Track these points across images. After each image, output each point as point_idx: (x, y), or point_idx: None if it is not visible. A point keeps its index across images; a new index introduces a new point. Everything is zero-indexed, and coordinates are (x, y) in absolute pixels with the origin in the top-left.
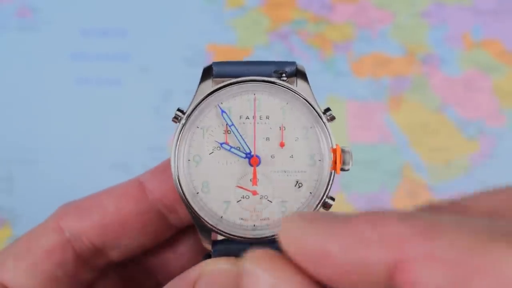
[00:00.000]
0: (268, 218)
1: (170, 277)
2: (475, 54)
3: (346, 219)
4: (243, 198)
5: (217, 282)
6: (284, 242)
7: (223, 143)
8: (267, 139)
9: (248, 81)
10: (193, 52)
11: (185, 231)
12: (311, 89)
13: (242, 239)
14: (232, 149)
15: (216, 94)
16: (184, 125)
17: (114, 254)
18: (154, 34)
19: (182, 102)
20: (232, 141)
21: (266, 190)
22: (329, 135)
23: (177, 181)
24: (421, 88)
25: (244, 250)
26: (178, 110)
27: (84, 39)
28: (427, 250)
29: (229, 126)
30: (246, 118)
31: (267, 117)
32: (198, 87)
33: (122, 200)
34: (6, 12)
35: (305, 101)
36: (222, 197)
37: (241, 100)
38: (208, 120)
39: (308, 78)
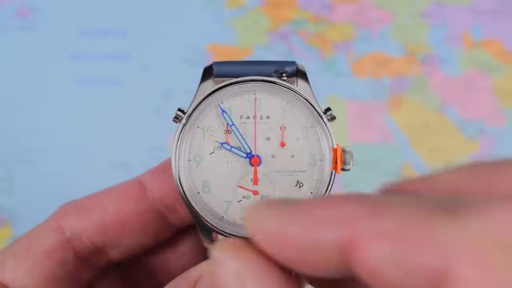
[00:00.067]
0: None
1: (170, 277)
2: (475, 54)
3: (305, 203)
4: (244, 198)
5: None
6: (250, 229)
7: (224, 143)
8: (268, 139)
9: (248, 81)
10: (193, 52)
11: (185, 230)
12: (311, 89)
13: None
14: (233, 149)
15: (216, 94)
16: (184, 125)
17: (114, 254)
18: (154, 34)
19: (182, 102)
20: (233, 141)
21: (267, 190)
22: (330, 135)
23: (178, 181)
24: (421, 88)
25: None
26: (179, 110)
27: (84, 39)
28: (374, 226)
29: (230, 126)
30: (247, 118)
31: (268, 117)
32: (198, 87)
33: (122, 200)
34: (6, 12)
35: (305, 101)
36: (223, 197)
37: (242, 100)
38: (209, 120)
39: (309, 78)
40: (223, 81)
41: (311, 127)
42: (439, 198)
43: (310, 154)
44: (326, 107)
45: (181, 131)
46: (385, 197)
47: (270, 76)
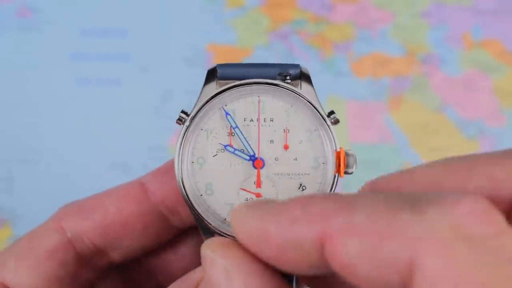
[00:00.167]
0: None
1: (171, 278)
2: (475, 54)
3: (285, 203)
4: (247, 200)
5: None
6: (235, 229)
7: (227, 145)
8: (271, 141)
9: (252, 84)
10: (193, 52)
11: (187, 232)
12: (315, 92)
13: None
14: (236, 152)
15: (220, 96)
16: (188, 127)
17: (115, 255)
18: (154, 34)
19: (182, 102)
20: (236, 144)
21: (270, 193)
22: (333, 138)
23: (181, 183)
24: (421, 88)
25: None
26: (182, 112)
27: (84, 39)
28: (346, 222)
29: (233, 129)
30: (250, 120)
31: (271, 120)
32: (202, 89)
33: (123, 201)
34: (6, 12)
35: (309, 103)
36: (226, 199)
37: (245, 103)
38: (212, 122)
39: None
40: (227, 84)
41: (315, 130)
42: (408, 194)
43: (314, 157)
44: (327, 108)
45: (185, 133)
46: (358, 195)
47: (274, 78)
